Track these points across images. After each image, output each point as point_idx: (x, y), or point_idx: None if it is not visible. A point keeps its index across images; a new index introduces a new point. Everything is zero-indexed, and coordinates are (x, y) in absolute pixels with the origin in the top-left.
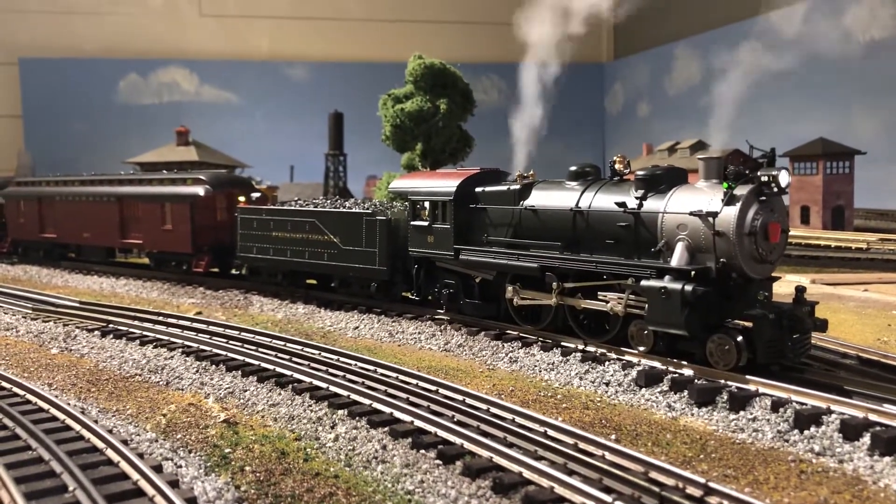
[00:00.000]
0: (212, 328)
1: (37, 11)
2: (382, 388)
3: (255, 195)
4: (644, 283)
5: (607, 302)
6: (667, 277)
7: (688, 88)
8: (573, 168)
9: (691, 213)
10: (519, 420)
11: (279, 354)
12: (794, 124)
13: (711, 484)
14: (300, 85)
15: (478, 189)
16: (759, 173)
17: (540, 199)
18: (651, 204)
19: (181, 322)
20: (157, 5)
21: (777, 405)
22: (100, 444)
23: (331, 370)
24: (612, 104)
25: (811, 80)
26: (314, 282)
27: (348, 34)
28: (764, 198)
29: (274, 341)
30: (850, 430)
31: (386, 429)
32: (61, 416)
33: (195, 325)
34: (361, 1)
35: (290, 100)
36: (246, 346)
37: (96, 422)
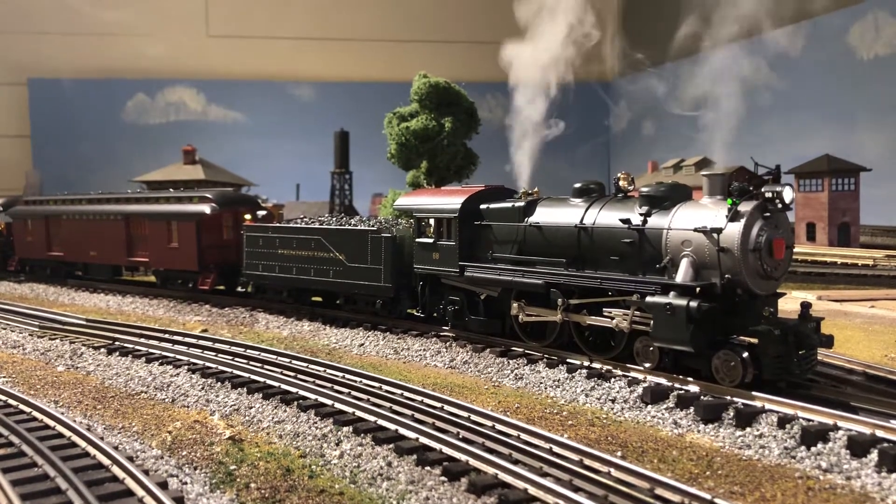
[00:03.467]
0: (217, 345)
1: (46, 33)
2: (387, 404)
3: (261, 213)
4: (649, 299)
5: (612, 318)
6: (672, 294)
7: (693, 106)
8: (577, 185)
9: (696, 230)
10: (524, 437)
11: (284, 371)
12: (800, 141)
13: (718, 500)
14: (306, 104)
15: (483, 206)
16: (763, 190)
17: (544, 215)
18: (655, 220)
19: (187, 339)
20: (165, 26)
21: (784, 421)
22: (105, 461)
23: (336, 387)
24: (617, 122)
25: (816, 97)
26: (319, 299)
27: (354, 54)
28: (768, 214)
29: (279, 358)
30: (858, 446)
31: (391, 445)
32: (67, 432)
33: (201, 342)
34: (367, 22)
35: (296, 119)
36: (251, 363)
37: (102, 438)
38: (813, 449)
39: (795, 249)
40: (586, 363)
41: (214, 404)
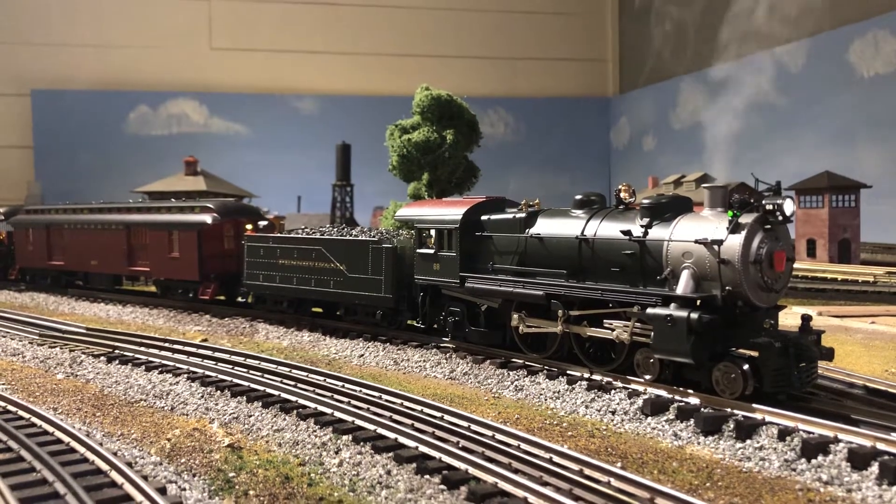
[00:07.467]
0: (217, 355)
1: (49, 45)
2: (387, 413)
3: (263, 223)
4: (650, 310)
5: (613, 330)
6: (672, 305)
7: (693, 122)
8: (578, 196)
9: (696, 241)
10: (524, 447)
11: (284, 380)
12: (800, 158)
13: None
14: (308, 117)
15: (483, 217)
16: (763, 202)
17: (545, 227)
18: (656, 232)
19: (187, 348)
20: (168, 39)
21: (784, 434)
22: (104, 466)
23: (335, 396)
24: (618, 138)
25: (816, 114)
26: (320, 310)
27: (357, 68)
28: (769, 226)
29: (279, 368)
30: (858, 458)
31: (390, 454)
32: (66, 438)
33: (201, 351)
34: (370, 36)
35: (298, 132)
36: (251, 372)
37: (101, 444)
38: (813, 461)
39: (796, 266)
40: (586, 375)
41: (214, 412)
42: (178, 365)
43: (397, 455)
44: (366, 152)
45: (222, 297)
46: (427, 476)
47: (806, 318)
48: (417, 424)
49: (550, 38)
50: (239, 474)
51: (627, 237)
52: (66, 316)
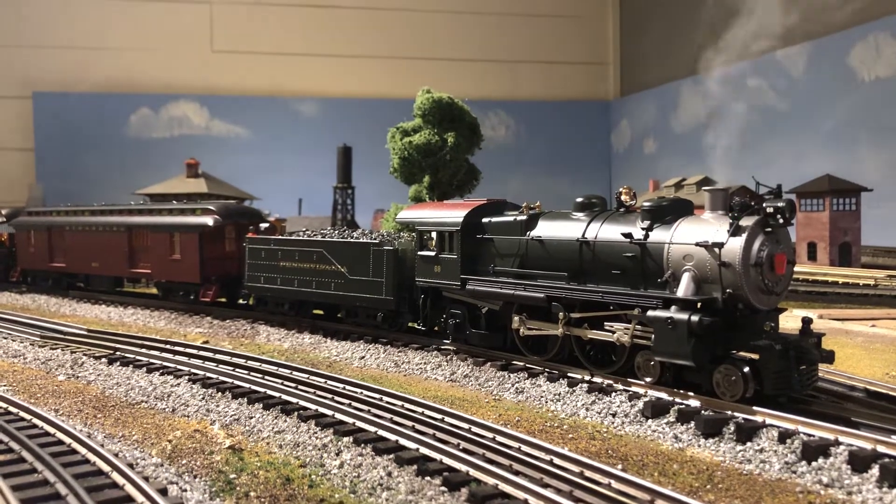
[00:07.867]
0: (218, 356)
1: (51, 47)
2: (388, 415)
3: (264, 225)
4: (650, 313)
5: (614, 332)
6: (673, 308)
7: (694, 126)
8: (579, 199)
9: (697, 244)
10: (525, 448)
11: (285, 382)
12: (801, 161)
13: None
14: (310, 120)
15: (485, 220)
16: (764, 204)
17: (546, 229)
18: (657, 235)
19: (188, 350)
20: (170, 41)
21: (784, 436)
22: (105, 468)
23: (336, 398)
24: (618, 141)
25: (817, 117)
26: (321, 312)
27: (358, 71)
28: (770, 229)
29: (280, 369)
30: (859, 461)
31: (391, 456)
32: (67, 439)
33: (202, 353)
34: (371, 39)
35: (299, 134)
36: (252, 373)
37: (102, 445)
38: (814, 464)
39: (797, 269)
40: (587, 377)
41: (215, 414)
42: (179, 367)
43: (398, 457)
44: (367, 155)
45: (223, 300)
46: (428, 478)
47: (806, 321)
48: (418, 426)
49: (551, 42)
50: (240, 476)
51: (628, 240)
52: (67, 318)
